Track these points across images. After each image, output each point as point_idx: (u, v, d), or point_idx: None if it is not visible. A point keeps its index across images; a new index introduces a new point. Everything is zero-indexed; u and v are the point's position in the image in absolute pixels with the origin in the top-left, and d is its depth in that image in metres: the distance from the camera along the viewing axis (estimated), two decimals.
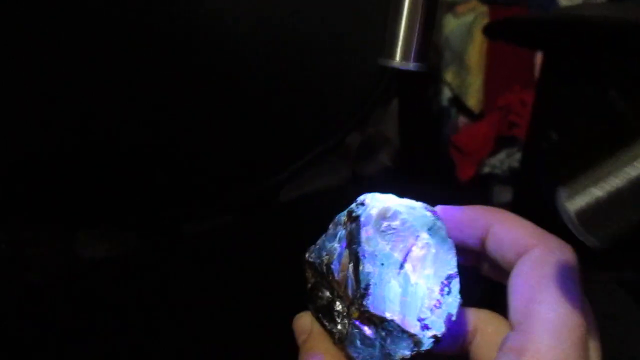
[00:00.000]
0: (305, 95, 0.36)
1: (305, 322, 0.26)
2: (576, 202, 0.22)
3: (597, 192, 0.22)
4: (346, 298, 0.24)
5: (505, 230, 0.24)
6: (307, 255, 0.26)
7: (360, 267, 0.24)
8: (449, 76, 1.05)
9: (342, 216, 0.26)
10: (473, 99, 1.05)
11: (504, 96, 1.01)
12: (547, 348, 0.20)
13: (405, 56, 0.24)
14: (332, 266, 0.25)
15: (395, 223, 0.25)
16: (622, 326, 0.46)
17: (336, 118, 0.37)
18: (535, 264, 0.23)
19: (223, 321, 0.39)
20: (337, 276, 0.25)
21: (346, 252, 0.25)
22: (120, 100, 0.32)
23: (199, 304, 0.38)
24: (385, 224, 0.24)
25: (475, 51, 1.03)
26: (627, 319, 0.46)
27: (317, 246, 0.26)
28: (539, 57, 0.93)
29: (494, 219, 0.25)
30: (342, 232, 0.26)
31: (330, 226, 0.26)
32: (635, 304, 0.48)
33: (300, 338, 0.26)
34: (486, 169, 1.01)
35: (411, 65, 0.24)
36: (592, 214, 0.22)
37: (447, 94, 1.05)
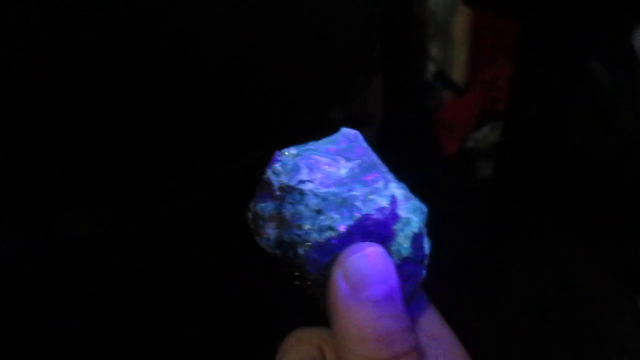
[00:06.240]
0: (286, 71, 0.36)
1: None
2: None
3: None
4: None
5: None
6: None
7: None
8: (433, 50, 1.04)
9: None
10: (458, 73, 1.04)
11: (489, 70, 1.01)
12: None
13: None
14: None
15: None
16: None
17: (318, 94, 0.37)
18: None
19: (200, 298, 0.39)
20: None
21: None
22: (95, 80, 0.31)
23: (176, 280, 0.38)
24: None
25: (460, 24, 1.02)
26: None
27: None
28: None
29: None
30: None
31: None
32: None
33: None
34: (470, 144, 1.02)
35: None
36: None
37: (431, 68, 1.05)
